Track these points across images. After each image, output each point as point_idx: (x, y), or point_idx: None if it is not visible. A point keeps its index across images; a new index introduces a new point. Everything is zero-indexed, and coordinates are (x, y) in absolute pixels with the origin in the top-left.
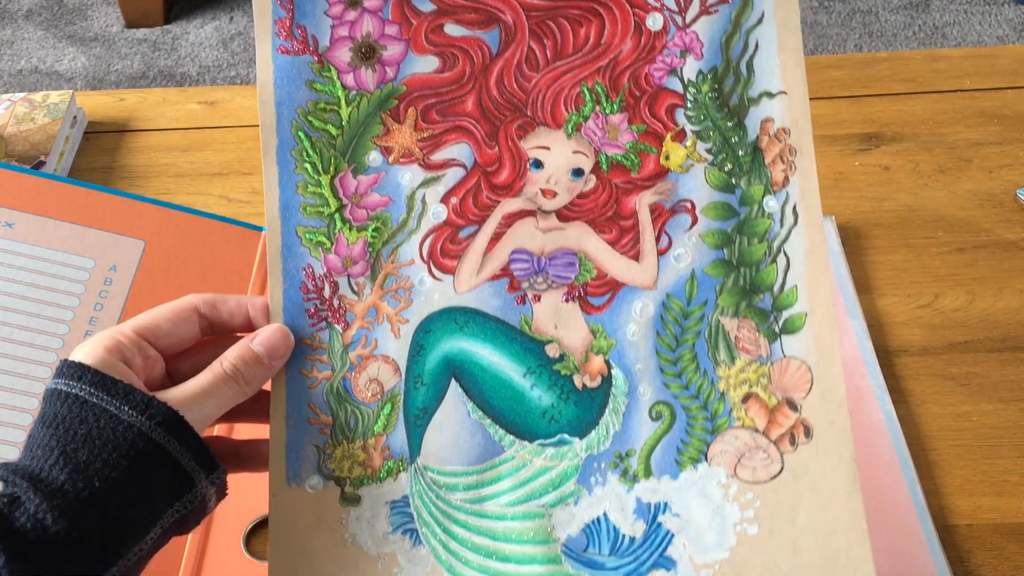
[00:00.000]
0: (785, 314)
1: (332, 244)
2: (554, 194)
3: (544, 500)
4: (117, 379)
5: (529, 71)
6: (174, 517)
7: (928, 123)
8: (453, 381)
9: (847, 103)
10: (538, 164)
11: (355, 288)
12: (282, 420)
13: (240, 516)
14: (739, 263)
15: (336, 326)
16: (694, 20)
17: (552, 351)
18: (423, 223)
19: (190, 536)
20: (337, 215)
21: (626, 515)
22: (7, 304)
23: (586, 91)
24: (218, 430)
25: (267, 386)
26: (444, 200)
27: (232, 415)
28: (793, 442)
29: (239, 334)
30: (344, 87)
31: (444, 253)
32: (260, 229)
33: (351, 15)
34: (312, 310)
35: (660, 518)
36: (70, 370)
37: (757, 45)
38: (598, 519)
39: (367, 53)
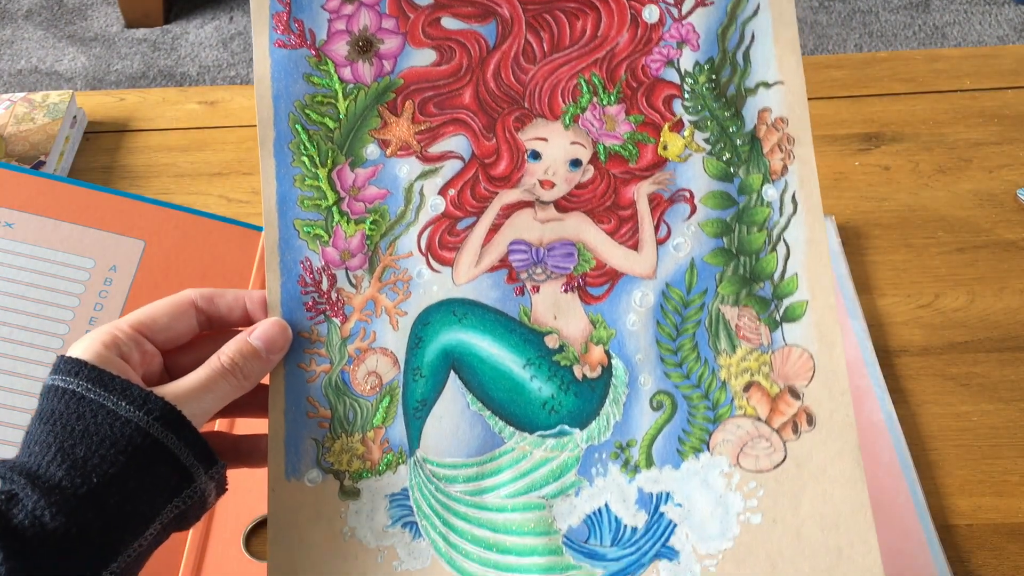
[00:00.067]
0: (786, 302)
1: (330, 237)
2: (552, 185)
3: (545, 491)
4: (114, 374)
5: (526, 64)
6: (173, 513)
7: (928, 123)
8: (452, 373)
9: (847, 103)
10: (536, 155)
11: (353, 281)
12: (280, 414)
13: (240, 516)
14: (739, 251)
15: (334, 319)
16: (690, 12)
17: (551, 342)
18: (421, 215)
19: (190, 536)
20: (335, 208)
21: (628, 506)
22: (7, 304)
23: (583, 83)
24: (219, 426)
25: (266, 380)
26: (442, 192)
27: (231, 410)
28: (796, 430)
29: (237, 328)
30: (341, 80)
31: (442, 245)
32: (260, 229)
33: (348, 9)
34: (310, 303)
35: (662, 508)
36: (67, 366)
37: (753, 36)
38: (599, 510)
39: (364, 47)
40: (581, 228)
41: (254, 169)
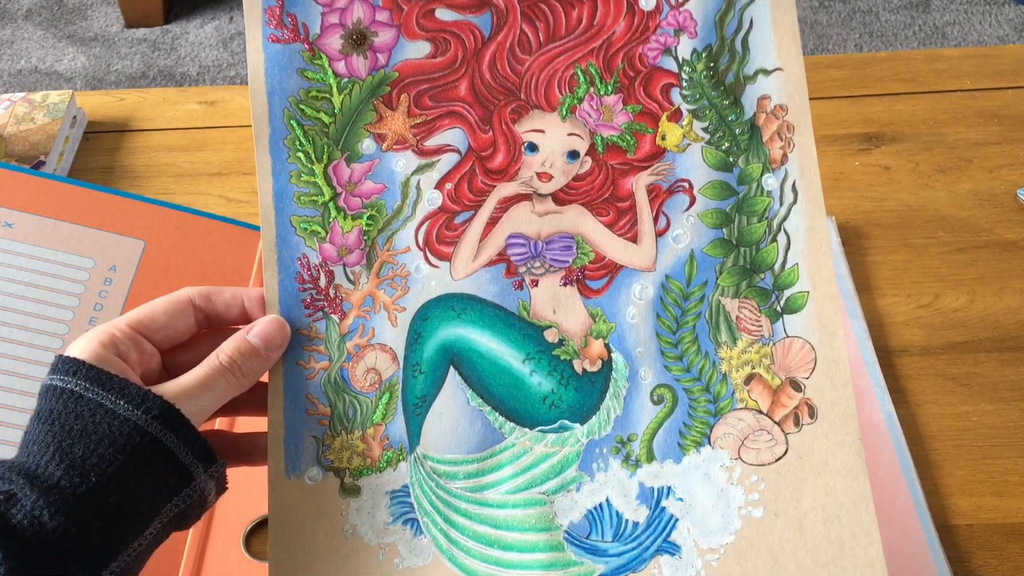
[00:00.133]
0: (787, 293)
1: (327, 233)
2: (550, 177)
3: (545, 487)
4: (112, 373)
5: (522, 54)
6: (173, 512)
7: (928, 123)
8: (452, 369)
9: (847, 103)
10: (533, 147)
11: (351, 277)
12: (280, 412)
13: (240, 515)
14: (739, 242)
15: (333, 316)
16: None
17: (551, 336)
18: (418, 210)
19: (190, 536)
20: (331, 204)
21: (629, 500)
22: (7, 304)
23: (580, 73)
24: (218, 424)
25: (265, 378)
26: (439, 186)
27: (230, 408)
28: (797, 423)
29: (235, 327)
30: (336, 75)
31: (440, 240)
32: (260, 229)
33: (341, 2)
34: (308, 300)
35: (663, 503)
36: (65, 365)
37: (751, 23)
38: (600, 505)
39: (358, 40)
40: (579, 221)
41: (254, 169)
